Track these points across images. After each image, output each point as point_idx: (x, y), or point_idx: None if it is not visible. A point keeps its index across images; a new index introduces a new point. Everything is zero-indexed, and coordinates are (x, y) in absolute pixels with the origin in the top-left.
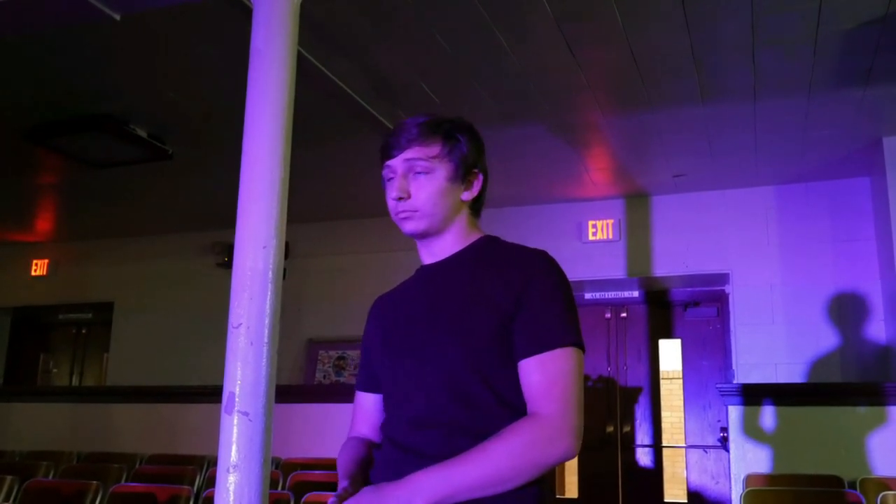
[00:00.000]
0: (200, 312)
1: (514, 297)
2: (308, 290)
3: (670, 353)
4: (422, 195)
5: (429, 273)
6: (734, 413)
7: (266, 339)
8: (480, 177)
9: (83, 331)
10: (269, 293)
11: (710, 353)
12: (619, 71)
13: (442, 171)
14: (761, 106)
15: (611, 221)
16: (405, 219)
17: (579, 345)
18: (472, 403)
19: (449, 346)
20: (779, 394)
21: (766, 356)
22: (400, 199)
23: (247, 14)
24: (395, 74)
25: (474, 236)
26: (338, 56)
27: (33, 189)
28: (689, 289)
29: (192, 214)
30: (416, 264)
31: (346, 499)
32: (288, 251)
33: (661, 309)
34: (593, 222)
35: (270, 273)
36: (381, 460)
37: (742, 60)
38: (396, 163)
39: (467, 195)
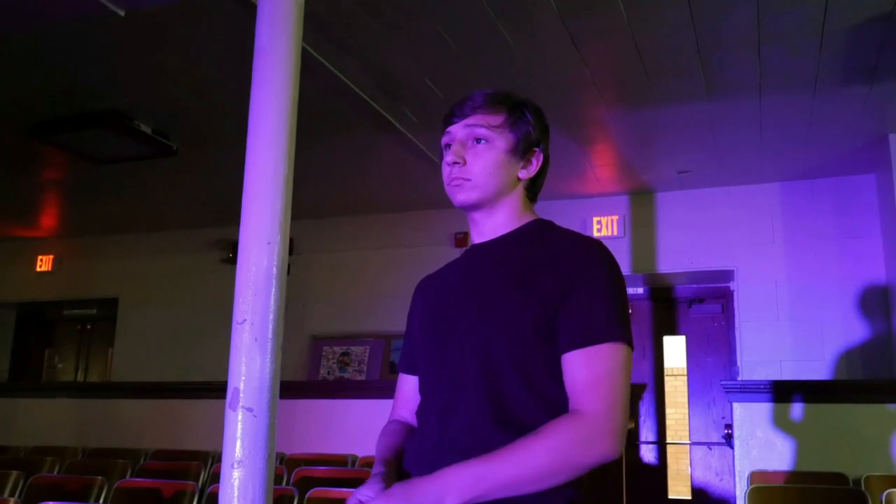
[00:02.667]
0: (205, 308)
1: (561, 286)
2: (312, 287)
3: (675, 349)
4: (478, 163)
5: (476, 253)
6: (739, 410)
7: (270, 335)
8: (541, 157)
9: (88, 326)
10: (274, 289)
11: (715, 349)
12: (624, 67)
13: (502, 143)
14: (766, 102)
15: (615, 218)
16: (457, 187)
17: (628, 341)
18: (507, 394)
19: (488, 333)
20: (783, 391)
21: (771, 353)
22: (455, 164)
23: (251, 10)
24: (399, 71)
25: (527, 218)
26: (342, 52)
27: (38, 185)
28: (693, 285)
29: (197, 211)
30: (420, 260)
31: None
32: (292, 247)
33: (665, 306)
34: (598, 218)
35: (274, 269)
36: (412, 450)
37: (747, 57)
38: (456, 129)
39: (524, 173)
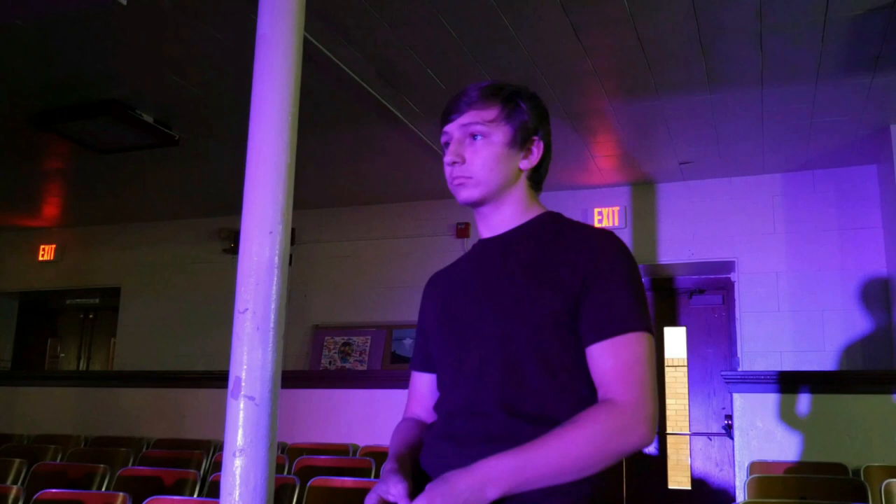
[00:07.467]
0: (207, 298)
1: (580, 278)
2: (314, 277)
3: (675, 340)
4: (477, 160)
5: (487, 248)
6: (739, 401)
7: (272, 324)
8: (541, 145)
9: (90, 316)
10: (275, 279)
11: (716, 340)
12: (625, 57)
13: (499, 136)
14: (768, 93)
15: (616, 209)
16: (459, 185)
17: (650, 330)
18: (531, 388)
19: (509, 328)
20: (784, 381)
21: (772, 344)
22: (454, 163)
23: None
24: (401, 60)
25: (535, 210)
26: (344, 42)
27: (40, 174)
28: (694, 276)
29: (199, 200)
30: (422, 251)
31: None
32: (294, 237)
33: (666, 296)
34: (599, 209)
35: (276, 259)
36: (433, 444)
37: (749, 47)
38: (453, 128)
39: (526, 163)
